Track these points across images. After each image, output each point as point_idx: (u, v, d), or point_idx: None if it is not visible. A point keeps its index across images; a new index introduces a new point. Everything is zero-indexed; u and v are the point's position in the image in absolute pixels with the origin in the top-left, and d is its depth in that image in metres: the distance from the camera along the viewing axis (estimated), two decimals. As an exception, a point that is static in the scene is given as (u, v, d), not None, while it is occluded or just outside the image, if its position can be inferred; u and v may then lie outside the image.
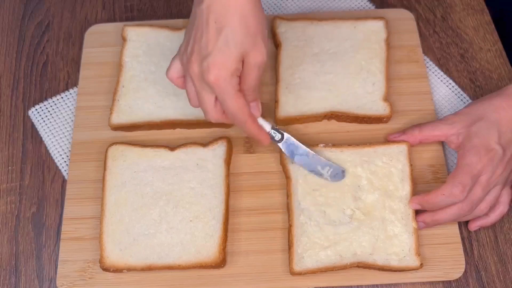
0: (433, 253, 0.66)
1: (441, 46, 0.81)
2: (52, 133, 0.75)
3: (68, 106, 0.77)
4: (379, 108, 0.72)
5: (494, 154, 0.63)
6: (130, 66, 0.76)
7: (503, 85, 0.77)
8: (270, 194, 0.69)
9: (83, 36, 0.82)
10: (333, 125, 0.74)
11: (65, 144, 0.75)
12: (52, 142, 0.75)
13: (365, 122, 0.73)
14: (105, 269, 0.65)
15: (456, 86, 0.78)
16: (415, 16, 0.81)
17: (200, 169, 0.69)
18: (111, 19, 0.85)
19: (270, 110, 0.74)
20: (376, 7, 0.84)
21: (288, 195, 0.68)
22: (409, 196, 0.67)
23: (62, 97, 0.78)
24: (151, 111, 0.73)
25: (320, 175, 0.67)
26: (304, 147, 0.68)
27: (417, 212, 0.66)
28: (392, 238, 0.65)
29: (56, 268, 0.67)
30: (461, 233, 0.68)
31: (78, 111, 0.75)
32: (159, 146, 0.71)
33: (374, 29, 0.77)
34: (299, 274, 0.64)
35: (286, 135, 0.67)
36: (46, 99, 0.78)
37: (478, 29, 0.82)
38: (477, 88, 0.78)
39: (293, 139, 0.68)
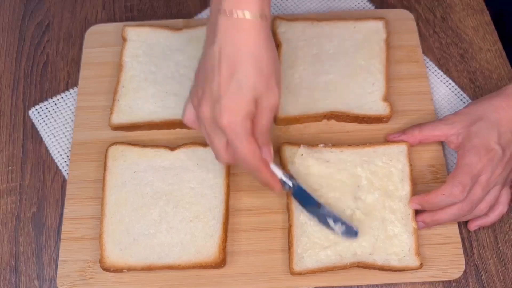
0: (433, 253, 0.66)
1: (441, 46, 0.81)
2: (52, 133, 0.75)
3: (68, 106, 0.77)
4: (379, 108, 0.73)
5: (494, 154, 0.63)
6: (130, 66, 0.76)
7: (503, 85, 0.77)
8: (270, 194, 0.69)
9: (83, 36, 0.82)
10: (333, 125, 0.74)
11: (65, 144, 0.75)
12: (52, 142, 0.75)
13: (365, 122, 0.73)
14: (105, 269, 0.65)
15: (456, 86, 0.78)
16: (415, 16, 0.82)
17: (200, 169, 0.69)
18: (111, 19, 0.85)
19: (270, 110, 0.74)
20: (376, 7, 0.84)
21: (288, 195, 0.68)
22: (409, 196, 0.67)
23: (62, 97, 0.78)
24: (151, 111, 0.73)
25: (331, 229, 0.64)
26: (315, 198, 0.65)
27: (417, 212, 0.66)
28: (392, 238, 0.65)
29: (56, 268, 0.67)
30: (460, 233, 0.68)
31: (78, 111, 0.76)
32: (159, 146, 0.71)
33: (374, 29, 0.78)
34: (299, 274, 0.64)
35: (296, 183, 0.64)
36: (46, 99, 0.78)
37: (477, 29, 0.82)
38: (477, 88, 0.78)
39: (304, 189, 0.65)
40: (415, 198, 0.66)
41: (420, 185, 0.69)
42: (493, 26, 0.82)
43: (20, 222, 0.71)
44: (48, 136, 0.75)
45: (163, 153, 0.70)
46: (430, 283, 0.66)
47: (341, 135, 0.73)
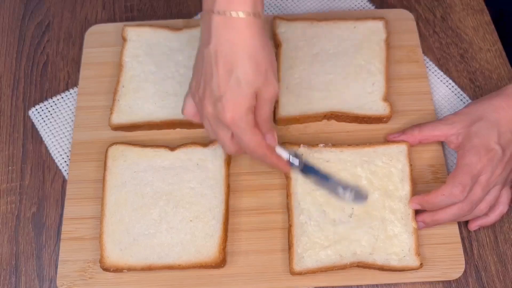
0: (433, 253, 0.66)
1: (441, 46, 0.81)
2: (52, 133, 0.75)
3: (68, 106, 0.77)
4: (379, 108, 0.73)
5: (494, 154, 0.63)
6: (130, 66, 0.76)
7: (503, 85, 0.77)
8: (270, 194, 0.69)
9: (83, 36, 0.82)
10: (333, 125, 0.74)
11: (65, 144, 0.75)
12: (52, 142, 0.75)
13: (365, 122, 0.73)
14: (105, 269, 0.65)
15: (456, 86, 0.78)
16: (415, 16, 0.82)
17: (200, 169, 0.69)
18: (111, 19, 0.85)
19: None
20: (376, 7, 0.84)
21: (288, 195, 0.68)
22: (409, 196, 0.67)
23: (62, 97, 0.78)
24: (151, 111, 0.73)
25: (340, 198, 0.66)
26: (322, 171, 0.66)
27: (417, 212, 0.66)
28: (392, 238, 0.65)
29: (56, 268, 0.67)
30: (460, 233, 0.68)
31: (78, 111, 0.76)
32: (159, 146, 0.71)
33: (374, 29, 0.78)
34: (299, 274, 0.64)
35: (302, 160, 0.66)
36: (46, 99, 0.78)
37: (477, 29, 0.82)
38: (477, 88, 0.78)
39: (311, 164, 0.67)
40: (415, 198, 0.66)
41: (420, 185, 0.69)
42: (493, 26, 0.82)
43: (20, 222, 0.71)
44: (48, 136, 0.75)
45: (163, 153, 0.70)
46: (430, 283, 0.66)
47: (341, 135, 0.73)
